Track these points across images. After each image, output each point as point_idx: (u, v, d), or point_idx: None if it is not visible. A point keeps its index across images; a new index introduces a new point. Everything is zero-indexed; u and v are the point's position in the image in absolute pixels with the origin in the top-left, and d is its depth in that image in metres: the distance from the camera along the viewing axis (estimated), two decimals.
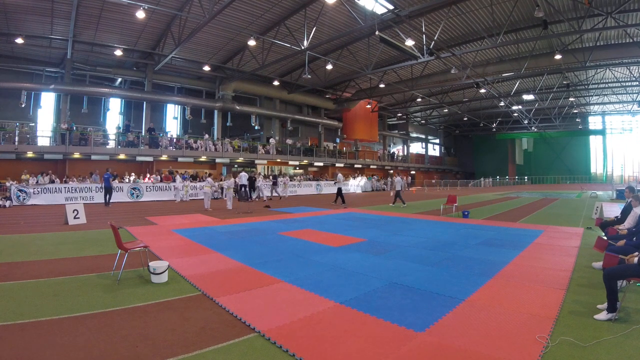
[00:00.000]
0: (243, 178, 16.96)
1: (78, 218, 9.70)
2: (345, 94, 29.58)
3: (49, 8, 14.94)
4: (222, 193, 20.22)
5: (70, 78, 19.52)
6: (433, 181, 39.89)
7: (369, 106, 32.27)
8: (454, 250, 6.54)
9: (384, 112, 37.19)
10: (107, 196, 14.75)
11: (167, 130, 26.08)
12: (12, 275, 4.65)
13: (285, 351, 2.76)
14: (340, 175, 17.66)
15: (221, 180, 19.95)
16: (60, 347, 2.78)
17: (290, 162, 28.22)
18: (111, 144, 20.09)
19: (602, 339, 2.96)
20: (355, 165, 33.68)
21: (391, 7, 13.64)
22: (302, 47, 16.90)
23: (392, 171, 35.90)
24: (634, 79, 24.92)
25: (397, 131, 42.50)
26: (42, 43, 17.99)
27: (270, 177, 22.49)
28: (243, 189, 16.26)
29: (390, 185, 15.89)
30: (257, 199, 17.51)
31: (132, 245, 4.92)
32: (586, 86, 27.07)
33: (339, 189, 16.87)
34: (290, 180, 25.00)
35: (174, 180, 18.35)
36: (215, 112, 24.98)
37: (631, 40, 17.82)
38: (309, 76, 20.53)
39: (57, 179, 16.74)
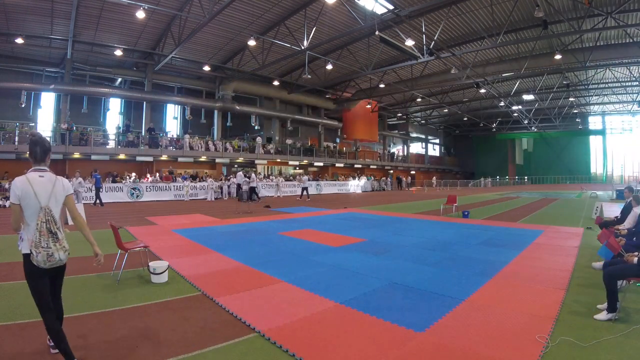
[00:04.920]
0: (239, 178, 17.05)
1: None
2: (345, 94, 29.56)
3: (49, 8, 14.93)
4: (221, 192, 20.35)
5: (70, 78, 19.50)
6: (433, 181, 39.85)
7: (369, 106, 32.24)
8: (454, 250, 6.54)
9: (384, 112, 37.15)
10: (98, 196, 14.85)
11: (167, 130, 26.05)
12: (12, 275, 4.65)
13: (285, 351, 2.76)
14: (253, 175, 20.15)
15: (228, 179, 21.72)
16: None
17: (290, 162, 28.22)
18: (111, 144, 20.08)
19: (602, 339, 2.95)
20: (356, 165, 33.67)
21: (391, 7, 13.63)
22: (302, 47, 16.89)
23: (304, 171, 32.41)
24: (634, 79, 24.91)
25: (397, 131, 42.47)
26: (42, 43, 17.96)
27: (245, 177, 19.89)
28: (241, 188, 16.33)
29: (302, 184, 20.36)
30: (249, 201, 17.55)
31: (132, 245, 4.93)
32: (586, 86, 27.04)
33: (252, 187, 18.50)
34: (287, 180, 25.03)
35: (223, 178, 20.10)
36: (215, 112, 24.97)
37: (631, 40, 17.82)
38: (309, 76, 20.52)
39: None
